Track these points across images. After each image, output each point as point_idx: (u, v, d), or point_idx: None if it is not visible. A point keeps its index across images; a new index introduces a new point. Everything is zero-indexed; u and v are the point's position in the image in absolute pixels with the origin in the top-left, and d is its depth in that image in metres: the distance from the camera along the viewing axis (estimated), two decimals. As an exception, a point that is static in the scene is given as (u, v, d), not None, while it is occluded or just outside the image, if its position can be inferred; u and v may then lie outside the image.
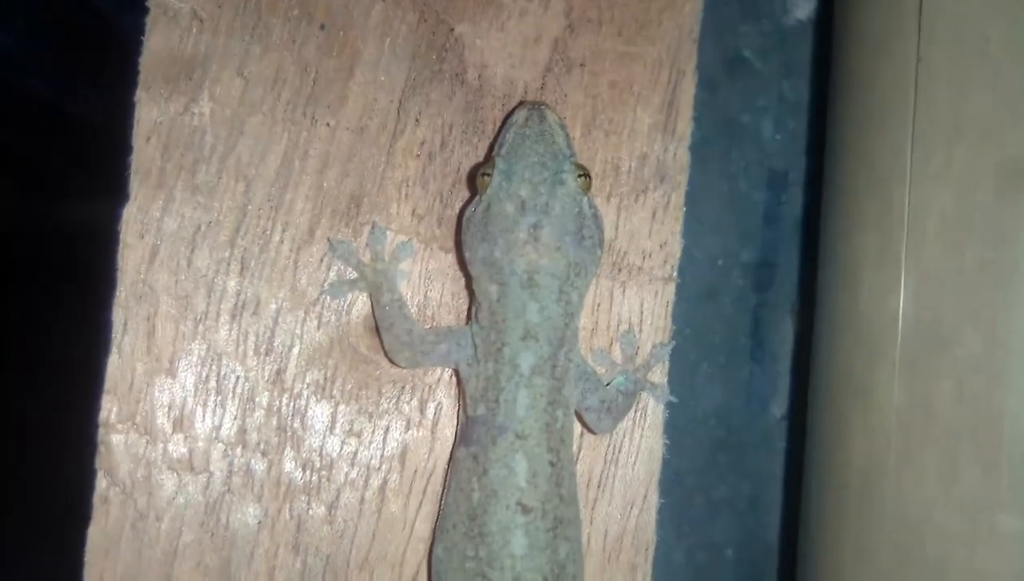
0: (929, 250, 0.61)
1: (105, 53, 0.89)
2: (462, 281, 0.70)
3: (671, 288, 0.73)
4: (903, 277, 0.62)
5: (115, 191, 0.69)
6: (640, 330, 0.72)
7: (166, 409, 0.67)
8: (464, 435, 0.65)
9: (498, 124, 0.70)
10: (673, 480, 0.91)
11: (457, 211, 0.70)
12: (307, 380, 0.68)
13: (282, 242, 0.68)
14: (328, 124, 0.69)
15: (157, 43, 0.68)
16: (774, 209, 0.95)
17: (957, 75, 0.62)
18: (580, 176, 0.63)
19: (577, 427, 0.68)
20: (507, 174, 0.63)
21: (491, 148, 0.69)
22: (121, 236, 0.67)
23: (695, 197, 0.81)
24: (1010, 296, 0.57)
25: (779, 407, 0.97)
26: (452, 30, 0.71)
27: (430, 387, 0.69)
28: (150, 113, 0.68)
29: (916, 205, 0.62)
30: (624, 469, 0.71)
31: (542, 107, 0.65)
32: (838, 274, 0.69)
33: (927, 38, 0.64)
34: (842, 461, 0.68)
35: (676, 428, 0.80)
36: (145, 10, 0.69)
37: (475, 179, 0.65)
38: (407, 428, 0.69)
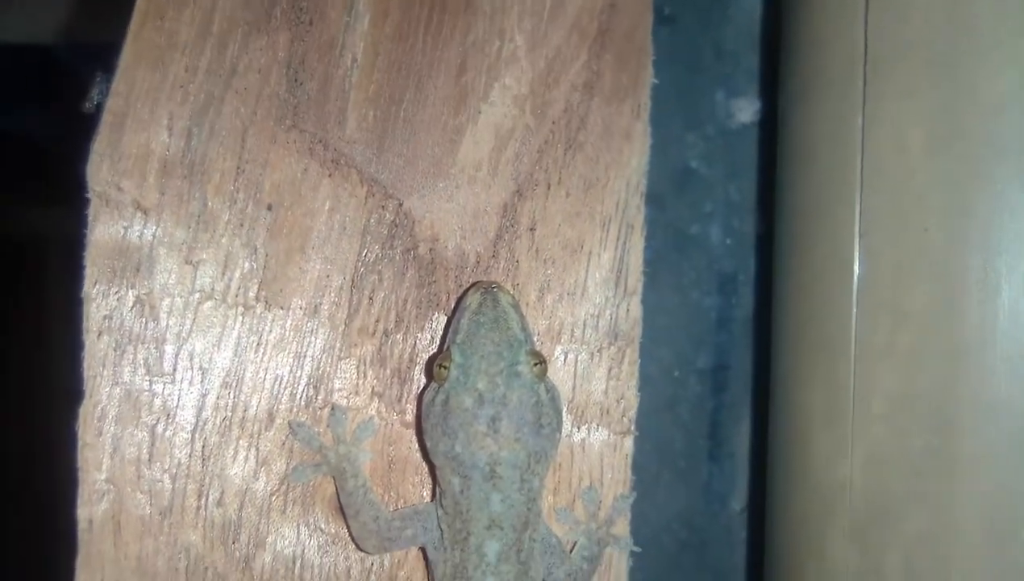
0: (875, 429, 0.63)
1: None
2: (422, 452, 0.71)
3: (629, 441, 0.74)
4: (851, 446, 0.65)
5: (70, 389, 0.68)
6: (601, 484, 0.74)
7: (137, 606, 0.67)
8: (435, 619, 0.66)
9: (452, 296, 0.71)
10: (640, 589, 0.93)
11: (416, 385, 0.71)
12: (276, 566, 0.68)
13: (243, 429, 0.69)
14: (282, 306, 0.69)
15: (101, 235, 0.68)
16: (726, 312, 0.97)
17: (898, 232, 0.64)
18: (535, 364, 0.64)
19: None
20: (463, 366, 0.64)
21: (447, 327, 0.70)
22: (80, 435, 0.67)
23: (649, 312, 0.83)
24: (954, 481, 0.60)
25: (738, 501, 1.00)
26: (401, 204, 0.71)
27: (399, 561, 0.70)
28: (99, 308, 0.67)
29: (860, 381, 0.64)
30: (592, 623, 0.73)
31: (495, 289, 0.66)
32: (789, 428, 0.72)
33: (870, 157, 0.66)
34: (800, 606, 0.71)
35: (642, 538, 0.82)
36: (86, 201, 0.68)
37: (432, 368, 0.66)
38: (379, 604, 0.70)
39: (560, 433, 0.66)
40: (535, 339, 0.71)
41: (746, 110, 0.98)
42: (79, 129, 0.70)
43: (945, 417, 0.60)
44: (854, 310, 0.65)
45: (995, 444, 0.60)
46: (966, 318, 0.60)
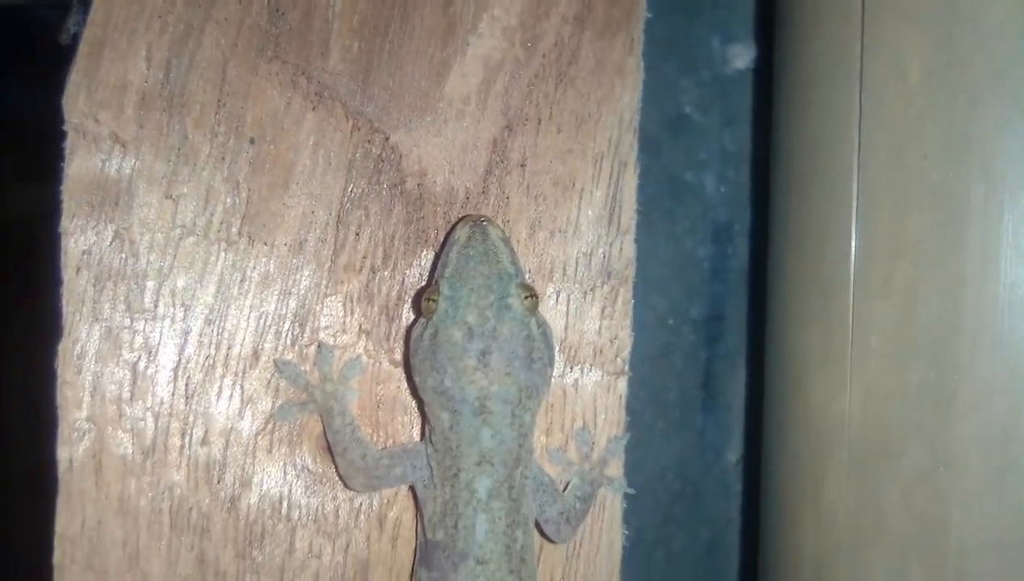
0: (873, 364, 0.61)
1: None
2: (411, 388, 0.69)
3: (623, 381, 0.73)
4: (849, 383, 0.63)
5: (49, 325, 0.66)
6: (595, 425, 0.72)
7: (120, 547, 0.66)
8: (424, 558, 0.65)
9: (441, 232, 0.69)
10: (635, 538, 0.93)
11: (404, 323, 0.69)
12: (262, 506, 0.67)
13: (227, 367, 0.67)
14: (265, 242, 0.68)
15: (78, 169, 0.66)
16: (721, 262, 0.96)
17: (895, 182, 0.62)
18: (526, 297, 0.63)
19: (537, 539, 0.69)
20: (452, 300, 0.62)
21: (435, 263, 0.68)
22: (59, 373, 0.65)
23: (642, 260, 0.82)
24: (954, 416, 0.58)
25: (734, 452, 0.99)
26: (387, 139, 0.69)
27: (388, 501, 0.69)
28: (78, 243, 0.65)
29: (859, 316, 0.62)
30: (586, 565, 0.72)
31: (484, 223, 0.64)
32: (786, 367, 0.70)
33: (869, 94, 0.64)
34: (794, 548, 0.70)
35: (635, 487, 0.81)
36: (63, 134, 0.66)
37: (420, 302, 0.64)
38: (367, 544, 0.69)
39: (552, 368, 0.65)
40: (526, 276, 0.69)
41: (742, 56, 0.96)
42: (53, 99, 0.68)
43: (945, 350, 0.59)
44: (853, 243, 0.63)
45: (995, 377, 0.59)
46: (967, 248, 0.59)
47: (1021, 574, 0.57)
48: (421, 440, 0.68)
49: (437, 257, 0.68)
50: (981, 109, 0.59)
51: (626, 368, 0.73)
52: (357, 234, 0.68)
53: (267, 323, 0.67)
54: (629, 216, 0.72)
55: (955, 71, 0.60)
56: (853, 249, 0.64)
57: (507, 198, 0.71)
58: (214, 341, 0.67)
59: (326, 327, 0.68)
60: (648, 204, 0.91)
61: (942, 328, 0.60)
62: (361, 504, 0.68)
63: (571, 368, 0.72)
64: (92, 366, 0.65)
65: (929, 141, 0.61)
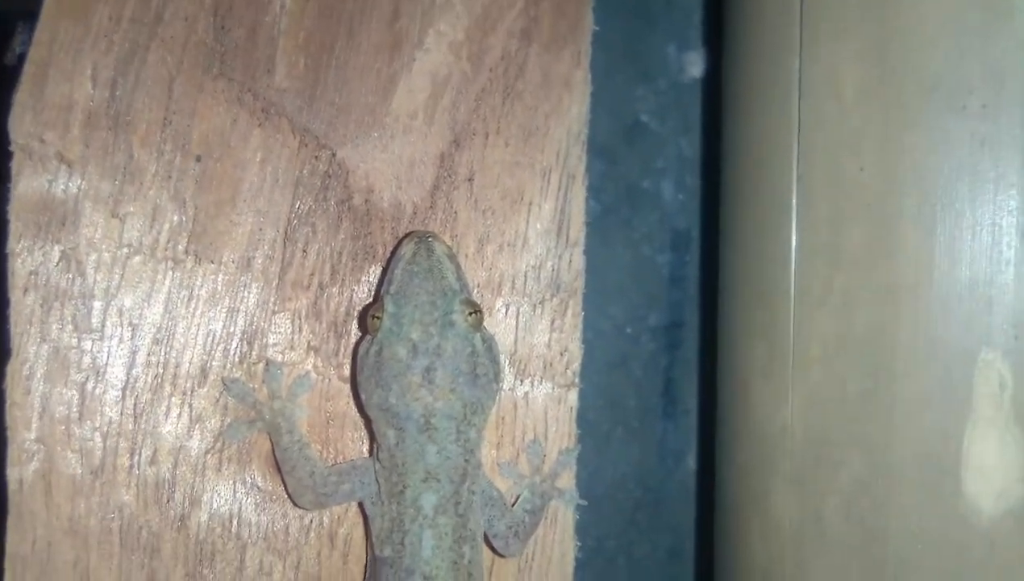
0: (813, 374, 0.62)
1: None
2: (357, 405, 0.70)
3: (574, 394, 0.73)
4: (791, 392, 0.64)
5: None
6: (546, 438, 0.73)
7: (71, 567, 0.66)
8: (374, 574, 0.65)
9: (388, 248, 0.70)
10: (596, 546, 0.93)
11: (352, 339, 0.69)
12: (212, 524, 0.67)
13: (175, 386, 0.67)
14: (212, 260, 0.68)
15: (25, 189, 0.66)
16: (679, 269, 0.97)
17: (834, 200, 0.63)
18: (471, 313, 0.63)
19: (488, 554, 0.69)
20: (396, 317, 0.62)
21: (382, 278, 0.68)
22: (7, 393, 0.65)
23: (600, 268, 0.82)
24: (891, 426, 0.59)
25: (694, 459, 1.00)
26: (334, 155, 0.69)
27: (338, 517, 0.69)
28: (25, 264, 0.65)
29: (799, 326, 0.63)
30: (539, 578, 0.72)
31: (429, 238, 0.65)
32: (733, 376, 0.71)
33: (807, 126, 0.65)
34: (744, 556, 0.70)
35: (594, 496, 0.82)
36: (9, 154, 0.66)
37: (366, 319, 0.65)
38: (318, 561, 0.69)
39: (498, 384, 0.65)
40: (475, 291, 0.70)
41: (697, 64, 0.97)
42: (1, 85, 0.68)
43: (881, 360, 0.60)
44: (793, 254, 0.64)
45: (931, 386, 0.59)
46: (901, 258, 0.59)
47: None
48: (369, 456, 0.68)
49: (384, 273, 0.68)
50: (913, 123, 0.60)
51: (576, 380, 0.73)
52: (304, 251, 0.69)
53: (215, 341, 0.68)
54: (578, 228, 0.73)
55: (888, 85, 0.61)
56: (793, 259, 0.64)
57: (455, 213, 0.71)
58: (162, 360, 0.67)
59: (274, 344, 0.68)
60: (605, 212, 0.92)
61: (878, 337, 0.60)
62: (311, 521, 0.69)
63: (521, 381, 0.72)
64: (40, 387, 0.66)
65: (864, 153, 0.61)
